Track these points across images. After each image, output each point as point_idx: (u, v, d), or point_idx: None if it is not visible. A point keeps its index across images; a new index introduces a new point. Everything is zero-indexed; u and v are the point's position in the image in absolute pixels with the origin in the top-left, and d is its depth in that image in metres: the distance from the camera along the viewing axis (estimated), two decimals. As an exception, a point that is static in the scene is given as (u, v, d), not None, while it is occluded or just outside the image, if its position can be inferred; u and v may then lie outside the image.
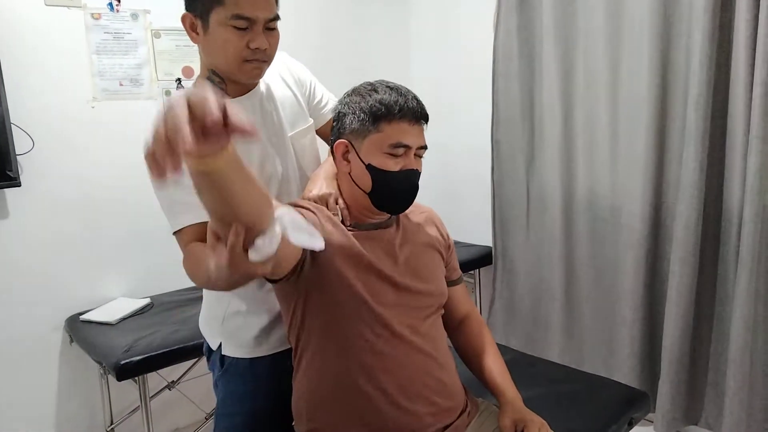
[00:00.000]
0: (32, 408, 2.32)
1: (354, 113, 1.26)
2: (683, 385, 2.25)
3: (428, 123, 1.30)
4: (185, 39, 2.68)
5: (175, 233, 1.22)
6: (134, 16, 2.42)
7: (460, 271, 1.52)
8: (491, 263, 2.98)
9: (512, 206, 2.85)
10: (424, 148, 1.29)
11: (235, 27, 1.18)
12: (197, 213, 1.14)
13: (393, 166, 1.25)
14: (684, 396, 2.26)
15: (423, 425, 1.25)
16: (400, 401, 1.23)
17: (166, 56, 2.51)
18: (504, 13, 2.71)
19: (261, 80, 1.35)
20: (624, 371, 2.40)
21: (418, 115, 1.26)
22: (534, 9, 2.63)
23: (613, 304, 2.47)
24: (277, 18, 1.24)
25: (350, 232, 1.27)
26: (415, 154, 1.28)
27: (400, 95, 1.26)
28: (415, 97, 1.28)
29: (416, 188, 1.30)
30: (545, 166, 2.67)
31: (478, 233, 3.05)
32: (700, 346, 2.26)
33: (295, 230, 0.95)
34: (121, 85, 2.42)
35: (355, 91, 1.30)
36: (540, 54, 2.63)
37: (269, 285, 1.32)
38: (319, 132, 1.52)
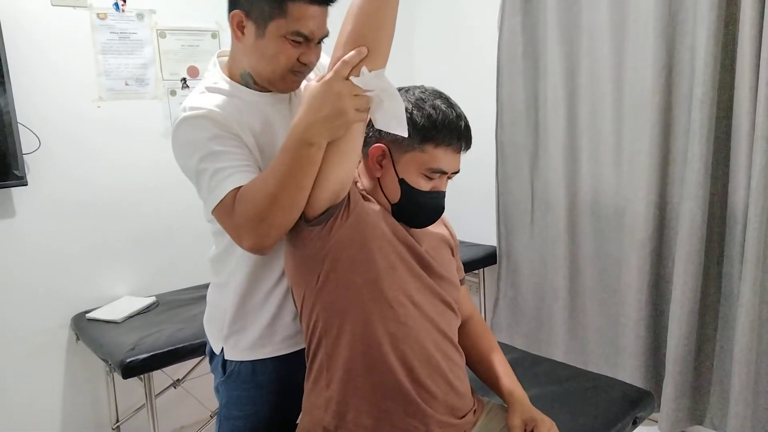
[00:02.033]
0: (38, 405, 2.33)
1: None
2: (688, 385, 2.25)
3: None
4: (190, 39, 2.70)
5: (217, 205, 1.15)
6: (140, 16, 2.43)
7: (463, 273, 1.52)
8: (495, 263, 2.98)
9: (517, 206, 2.85)
10: (457, 172, 1.29)
11: (293, 41, 1.19)
12: (242, 176, 1.15)
13: (424, 185, 1.24)
14: (689, 395, 2.26)
15: (438, 404, 1.25)
16: (420, 376, 1.22)
17: (171, 56, 2.52)
18: (508, 12, 2.72)
19: None
20: (628, 371, 2.40)
21: (465, 144, 1.26)
22: (538, 9, 2.63)
23: (618, 303, 2.47)
24: (327, 35, 1.26)
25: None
26: (447, 177, 1.28)
27: (455, 119, 1.22)
28: (466, 122, 1.25)
29: (442, 209, 1.30)
30: (549, 165, 2.67)
31: (483, 233, 3.05)
32: (705, 345, 2.25)
33: (391, 105, 1.10)
34: (126, 84, 2.43)
35: (406, 95, 1.25)
36: (544, 54, 2.63)
37: (271, 282, 1.31)
38: None
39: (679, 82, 2.22)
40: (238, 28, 1.22)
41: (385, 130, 1.13)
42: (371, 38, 1.09)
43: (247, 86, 1.28)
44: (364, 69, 1.07)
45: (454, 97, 1.31)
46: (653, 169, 2.28)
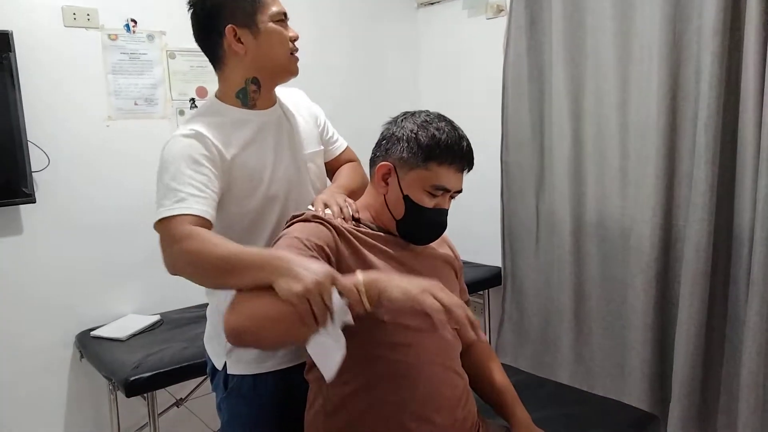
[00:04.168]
0: (41, 423, 2.33)
1: (408, 142, 1.26)
2: (695, 409, 2.22)
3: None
4: (199, 60, 2.74)
5: (158, 222, 1.19)
6: (150, 37, 2.47)
7: (468, 295, 1.53)
8: (500, 284, 2.97)
9: (522, 227, 2.85)
10: (460, 191, 1.32)
11: (279, 21, 1.33)
12: (187, 204, 1.18)
13: (428, 202, 1.27)
14: (695, 420, 2.23)
15: None
16: (422, 411, 1.22)
17: (180, 76, 2.55)
18: (514, 36, 2.74)
19: (279, 102, 1.43)
20: (635, 394, 2.37)
21: (466, 163, 1.29)
22: (543, 32, 2.66)
23: (624, 326, 2.45)
24: None
25: (376, 233, 1.30)
26: (450, 195, 1.31)
27: (458, 139, 1.27)
28: (468, 143, 1.29)
29: (444, 226, 1.33)
30: (555, 187, 2.67)
31: (488, 253, 3.05)
32: (711, 369, 2.23)
33: (332, 344, 1.03)
34: (136, 104, 2.46)
35: (412, 118, 1.30)
36: (549, 77, 2.65)
37: None
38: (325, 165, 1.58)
39: (684, 106, 2.23)
40: (236, 40, 1.31)
41: (312, 356, 1.09)
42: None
43: (243, 104, 1.36)
44: (343, 300, 1.03)
45: (460, 119, 1.34)
46: (659, 191, 2.28)
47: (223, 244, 1.12)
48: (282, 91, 1.45)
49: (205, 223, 1.18)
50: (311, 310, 0.99)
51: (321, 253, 1.16)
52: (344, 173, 1.54)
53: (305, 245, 1.14)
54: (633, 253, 2.39)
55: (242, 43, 1.30)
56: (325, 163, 1.56)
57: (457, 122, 1.34)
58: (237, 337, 1.05)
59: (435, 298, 1.02)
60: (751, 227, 2.04)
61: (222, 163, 1.27)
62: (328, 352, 1.04)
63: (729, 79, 2.08)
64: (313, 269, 1.02)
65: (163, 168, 1.25)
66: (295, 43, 1.36)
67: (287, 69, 1.36)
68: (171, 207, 1.18)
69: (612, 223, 2.50)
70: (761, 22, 1.95)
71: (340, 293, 1.02)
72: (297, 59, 1.37)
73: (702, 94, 2.09)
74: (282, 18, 1.33)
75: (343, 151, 1.60)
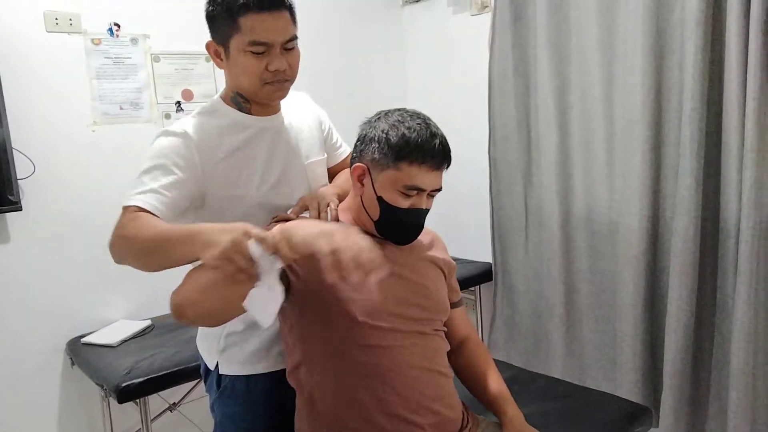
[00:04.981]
0: (33, 431, 2.31)
1: (378, 143, 1.25)
2: (686, 399, 2.24)
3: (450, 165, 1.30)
4: (184, 63, 2.73)
5: (123, 209, 1.21)
6: (134, 41, 2.46)
7: (460, 294, 1.53)
8: (491, 279, 2.98)
9: (511, 222, 2.86)
10: (439, 189, 1.30)
11: (253, 52, 1.23)
12: (147, 197, 1.20)
13: (403, 203, 1.26)
14: (687, 410, 2.25)
15: None
16: (400, 412, 1.23)
17: (165, 80, 2.54)
18: (499, 32, 2.75)
19: (283, 108, 1.41)
20: (626, 386, 2.39)
21: (439, 161, 1.26)
22: (528, 28, 2.67)
23: (614, 318, 2.47)
24: (294, 38, 1.28)
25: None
26: (428, 194, 1.29)
27: (429, 138, 1.24)
28: (442, 141, 1.27)
29: (421, 226, 1.33)
30: (542, 182, 2.68)
31: (478, 250, 3.06)
32: (701, 359, 2.25)
33: (266, 295, 1.06)
34: (121, 108, 2.44)
35: (386, 117, 1.29)
36: (535, 72, 2.66)
37: None
38: (328, 170, 1.58)
39: (669, 98, 2.24)
40: (216, 56, 1.31)
41: (249, 310, 1.07)
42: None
43: (240, 110, 1.34)
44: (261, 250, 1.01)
45: (447, 116, 1.33)
46: (645, 184, 2.29)
47: (154, 225, 1.14)
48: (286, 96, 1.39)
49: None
50: (236, 268, 1.00)
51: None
52: (344, 176, 1.53)
53: None
54: (621, 246, 2.40)
55: (221, 59, 1.30)
56: (328, 169, 1.56)
57: (444, 119, 1.33)
58: (178, 311, 1.10)
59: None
60: (737, 218, 2.06)
61: (203, 167, 1.27)
62: (264, 302, 1.06)
63: (712, 71, 2.09)
64: (228, 229, 1.02)
65: (145, 157, 1.28)
66: (278, 71, 1.26)
67: (257, 97, 1.31)
68: (132, 197, 1.20)
69: (600, 217, 2.51)
70: (743, 12, 1.96)
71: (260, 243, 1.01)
72: (275, 88, 1.28)
73: (686, 86, 2.11)
74: (261, 50, 1.23)
75: (346, 157, 1.59)
